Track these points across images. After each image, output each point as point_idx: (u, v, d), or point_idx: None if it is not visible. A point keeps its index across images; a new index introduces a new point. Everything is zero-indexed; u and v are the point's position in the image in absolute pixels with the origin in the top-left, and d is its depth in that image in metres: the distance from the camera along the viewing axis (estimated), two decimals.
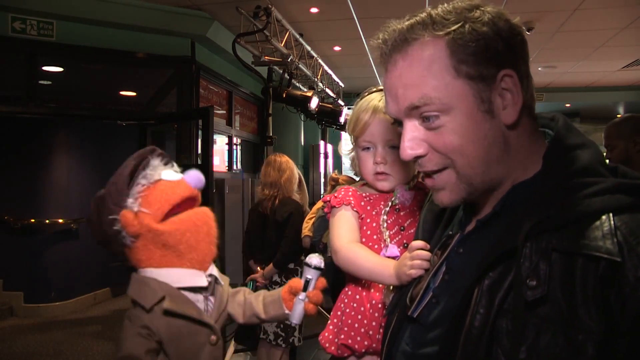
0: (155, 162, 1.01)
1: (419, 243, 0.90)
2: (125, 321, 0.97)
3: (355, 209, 1.19)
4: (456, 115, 0.71)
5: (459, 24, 0.70)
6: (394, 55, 0.74)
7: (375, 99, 1.19)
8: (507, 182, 0.76)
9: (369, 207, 1.20)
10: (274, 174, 3.25)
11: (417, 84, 0.72)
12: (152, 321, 0.93)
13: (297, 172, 3.38)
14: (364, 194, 1.22)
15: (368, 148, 1.20)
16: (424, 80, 0.71)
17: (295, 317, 0.98)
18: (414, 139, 0.74)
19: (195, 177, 1.02)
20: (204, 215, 1.01)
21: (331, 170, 8.04)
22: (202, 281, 0.99)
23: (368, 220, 1.19)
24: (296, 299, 1.00)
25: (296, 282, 1.01)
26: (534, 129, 0.77)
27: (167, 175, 1.00)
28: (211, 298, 1.04)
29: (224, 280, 1.10)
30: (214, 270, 1.04)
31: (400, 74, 0.73)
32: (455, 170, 0.73)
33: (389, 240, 1.15)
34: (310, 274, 0.97)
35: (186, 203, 1.01)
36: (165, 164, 1.02)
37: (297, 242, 3.15)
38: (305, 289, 0.97)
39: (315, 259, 0.95)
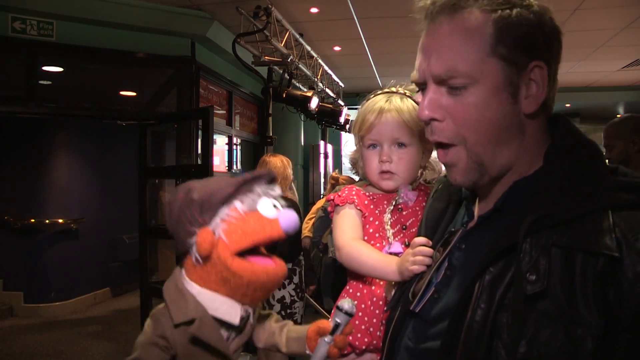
0: (260, 189, 0.92)
1: (421, 239, 0.91)
2: (149, 320, 0.92)
3: (358, 208, 1.20)
4: (482, 90, 0.72)
5: (509, 5, 0.71)
6: (440, 17, 0.74)
7: (381, 101, 1.21)
8: (511, 173, 0.76)
9: (372, 206, 1.21)
10: None
11: (453, 51, 0.72)
12: (173, 334, 0.89)
13: (289, 171, 3.33)
14: (367, 193, 1.23)
15: (374, 146, 1.21)
16: (460, 50, 0.72)
17: (317, 359, 0.96)
18: (434, 101, 0.75)
19: (291, 222, 0.91)
20: (276, 276, 0.93)
21: (331, 170, 8.04)
22: (236, 319, 0.93)
23: (371, 219, 1.20)
24: (321, 340, 0.94)
25: (324, 323, 0.97)
26: (546, 126, 0.78)
27: (263, 209, 0.92)
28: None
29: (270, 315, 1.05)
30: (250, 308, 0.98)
31: (441, 35, 0.74)
32: (466, 147, 0.74)
33: (392, 237, 1.16)
34: (340, 318, 0.94)
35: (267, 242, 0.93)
36: (266, 193, 0.93)
37: (296, 242, 3.15)
38: (333, 332, 0.95)
39: (347, 304, 0.92)
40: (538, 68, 0.72)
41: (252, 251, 0.91)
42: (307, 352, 0.99)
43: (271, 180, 0.95)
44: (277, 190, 0.95)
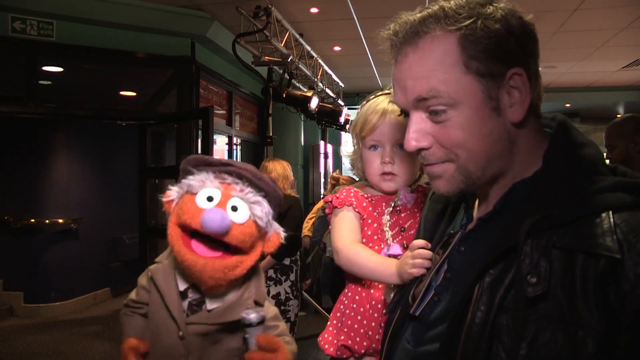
0: (211, 176, 1.06)
1: (420, 242, 0.90)
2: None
3: (356, 210, 1.19)
4: (463, 111, 0.71)
5: (472, 20, 0.70)
6: (405, 48, 0.74)
7: (384, 102, 1.19)
8: (508, 178, 0.76)
9: (370, 208, 1.20)
10: None
11: (427, 77, 0.72)
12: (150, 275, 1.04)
13: (289, 172, 3.46)
14: (365, 195, 1.22)
15: (375, 147, 1.20)
16: (434, 74, 0.71)
17: None
18: (419, 130, 0.75)
19: (212, 222, 0.97)
20: (195, 268, 1.04)
21: (331, 170, 8.04)
22: (181, 284, 1.03)
23: (369, 221, 1.19)
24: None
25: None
26: (539, 127, 0.77)
27: (199, 197, 1.03)
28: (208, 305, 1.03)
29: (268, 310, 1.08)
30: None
31: (410, 66, 0.73)
32: (458, 164, 0.74)
33: (391, 239, 1.15)
34: (248, 333, 0.99)
35: None
36: (213, 183, 1.07)
37: (295, 238, 3.18)
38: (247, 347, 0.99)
39: (253, 314, 0.98)
40: (517, 75, 0.71)
41: (205, 237, 0.97)
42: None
43: (249, 181, 1.02)
44: (245, 189, 1.01)
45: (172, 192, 1.03)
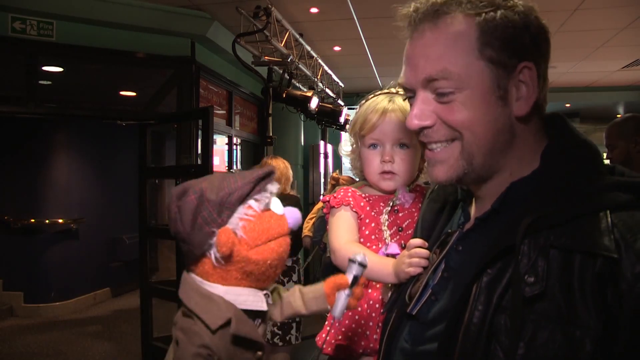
0: (273, 188, 0.95)
1: (417, 241, 0.90)
2: (179, 334, 0.91)
3: (354, 210, 1.19)
4: (470, 94, 0.72)
5: (492, 8, 0.71)
6: (423, 25, 0.74)
7: (384, 101, 1.19)
8: (505, 175, 0.76)
9: (368, 208, 1.20)
10: None
11: (440, 57, 0.72)
12: (213, 341, 0.88)
13: (290, 172, 3.47)
14: (363, 195, 1.22)
15: (375, 146, 1.20)
16: (447, 55, 0.72)
17: (338, 312, 0.99)
18: (424, 109, 0.75)
19: (296, 219, 0.98)
20: (286, 244, 0.97)
21: (331, 170, 8.04)
22: (264, 305, 0.95)
23: (367, 221, 1.19)
24: (339, 294, 0.99)
25: (341, 278, 1.01)
26: (540, 127, 0.77)
27: (275, 207, 0.96)
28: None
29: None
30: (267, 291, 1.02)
31: (425, 44, 0.74)
32: (462, 143, 0.74)
33: (389, 239, 1.15)
34: (356, 271, 0.98)
35: None
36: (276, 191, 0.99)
37: (297, 238, 3.18)
38: (352, 285, 0.98)
39: (359, 257, 0.97)
40: (527, 69, 0.71)
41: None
42: (328, 307, 1.02)
43: (274, 179, 0.97)
44: (276, 188, 0.97)
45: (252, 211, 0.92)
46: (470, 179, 0.77)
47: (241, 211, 0.90)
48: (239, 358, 0.93)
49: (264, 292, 0.97)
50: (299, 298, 1.06)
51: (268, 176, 0.94)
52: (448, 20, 0.72)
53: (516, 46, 0.71)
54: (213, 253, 0.89)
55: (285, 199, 3.33)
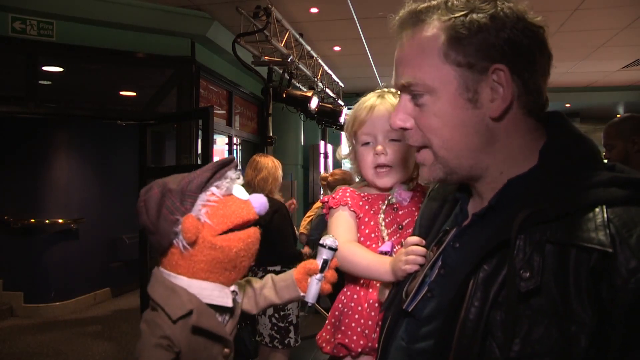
0: (233, 174, 0.98)
1: (414, 239, 0.91)
2: (143, 326, 0.92)
3: (352, 209, 1.19)
4: (438, 98, 0.74)
5: (464, 12, 0.72)
6: (402, 33, 0.78)
7: (371, 98, 1.23)
8: (495, 174, 0.76)
9: (367, 207, 1.21)
10: (250, 174, 3.14)
11: (410, 63, 0.76)
12: (174, 332, 0.89)
13: (279, 173, 3.23)
14: (362, 194, 1.23)
15: (368, 143, 1.21)
16: (416, 61, 0.75)
17: (311, 297, 1.00)
18: (404, 112, 0.79)
19: (262, 204, 0.99)
20: (255, 236, 0.99)
21: (331, 170, 8.04)
22: (229, 301, 0.96)
23: (366, 220, 1.19)
24: (311, 280, 1.00)
25: (311, 263, 1.02)
26: (531, 125, 0.77)
27: (238, 192, 0.98)
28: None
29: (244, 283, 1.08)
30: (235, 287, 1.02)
31: (402, 50, 0.78)
32: (433, 150, 0.77)
33: (387, 237, 1.16)
34: (326, 255, 0.99)
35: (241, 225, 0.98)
36: (237, 178, 1.00)
37: (285, 246, 3.09)
38: (322, 269, 0.99)
39: (329, 240, 0.97)
40: (499, 71, 0.71)
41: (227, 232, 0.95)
42: (301, 293, 1.03)
43: (236, 166, 1.01)
44: (239, 175, 1.01)
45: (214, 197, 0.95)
46: (456, 179, 0.80)
47: (203, 198, 0.92)
48: (203, 353, 0.93)
49: (232, 288, 0.98)
50: (271, 288, 1.07)
51: (228, 164, 0.97)
52: (424, 27, 0.75)
53: (485, 49, 0.71)
54: (180, 241, 0.91)
55: (269, 202, 3.24)
